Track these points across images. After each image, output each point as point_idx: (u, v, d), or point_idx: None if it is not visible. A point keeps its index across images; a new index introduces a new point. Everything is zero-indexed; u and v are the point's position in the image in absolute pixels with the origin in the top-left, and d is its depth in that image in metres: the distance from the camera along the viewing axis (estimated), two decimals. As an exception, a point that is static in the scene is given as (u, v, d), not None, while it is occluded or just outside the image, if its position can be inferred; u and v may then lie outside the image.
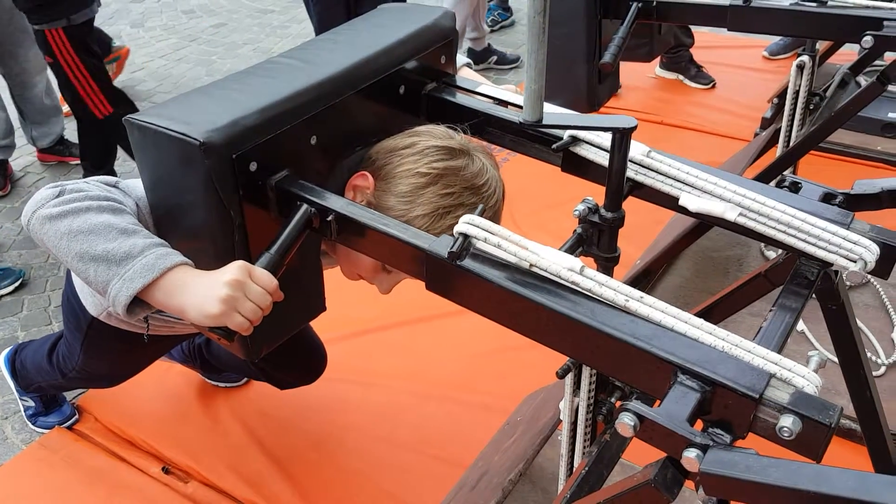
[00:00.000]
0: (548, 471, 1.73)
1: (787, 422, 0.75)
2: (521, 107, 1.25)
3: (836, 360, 1.30)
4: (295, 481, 1.86)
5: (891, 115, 2.80)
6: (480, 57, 4.09)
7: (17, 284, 2.64)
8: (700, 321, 0.85)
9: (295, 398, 2.07)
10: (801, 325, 2.10)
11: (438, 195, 1.12)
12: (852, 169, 2.85)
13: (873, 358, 2.03)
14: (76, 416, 2.07)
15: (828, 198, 1.15)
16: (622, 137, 0.97)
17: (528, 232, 0.93)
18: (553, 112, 1.05)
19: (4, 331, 2.46)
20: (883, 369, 2.01)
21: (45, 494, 1.87)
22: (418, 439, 1.95)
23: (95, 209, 1.05)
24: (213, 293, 0.99)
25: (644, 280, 2.28)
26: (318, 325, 2.26)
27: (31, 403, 2.05)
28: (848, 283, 1.10)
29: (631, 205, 1.06)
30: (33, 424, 2.06)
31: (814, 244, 1.02)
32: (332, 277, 1.31)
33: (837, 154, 2.84)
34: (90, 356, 1.62)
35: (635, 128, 0.96)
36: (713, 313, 1.31)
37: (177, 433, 1.99)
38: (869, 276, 2.22)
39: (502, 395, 2.00)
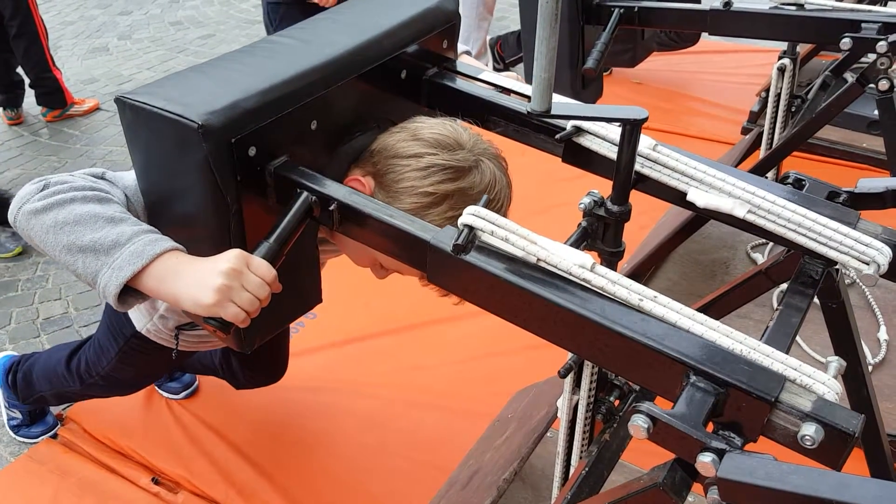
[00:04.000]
0: (538, 468, 1.71)
1: (810, 430, 0.73)
2: (524, 95, 1.22)
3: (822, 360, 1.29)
4: (285, 489, 1.83)
5: (876, 112, 2.80)
6: None
7: None
8: (717, 323, 0.83)
9: (284, 407, 2.04)
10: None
11: (444, 217, 1.06)
12: (835, 171, 2.84)
13: (860, 357, 2.03)
14: (58, 425, 2.01)
15: (832, 196, 1.13)
16: (632, 129, 0.94)
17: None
18: (561, 102, 1.02)
19: (-8, 344, 2.39)
20: (870, 368, 2.02)
21: (35, 507, 1.81)
22: (407, 445, 1.93)
23: (80, 199, 1.00)
24: (208, 282, 0.94)
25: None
26: (306, 333, 2.23)
27: (17, 416, 1.99)
28: (849, 282, 1.08)
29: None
30: (16, 434, 2.00)
31: (824, 244, 1.00)
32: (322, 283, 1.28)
33: (823, 152, 2.84)
34: (123, 363, 1.60)
35: (646, 119, 0.93)
36: (710, 310, 1.29)
37: (166, 443, 1.95)
38: (855, 278, 2.23)
39: (490, 399, 1.98)
